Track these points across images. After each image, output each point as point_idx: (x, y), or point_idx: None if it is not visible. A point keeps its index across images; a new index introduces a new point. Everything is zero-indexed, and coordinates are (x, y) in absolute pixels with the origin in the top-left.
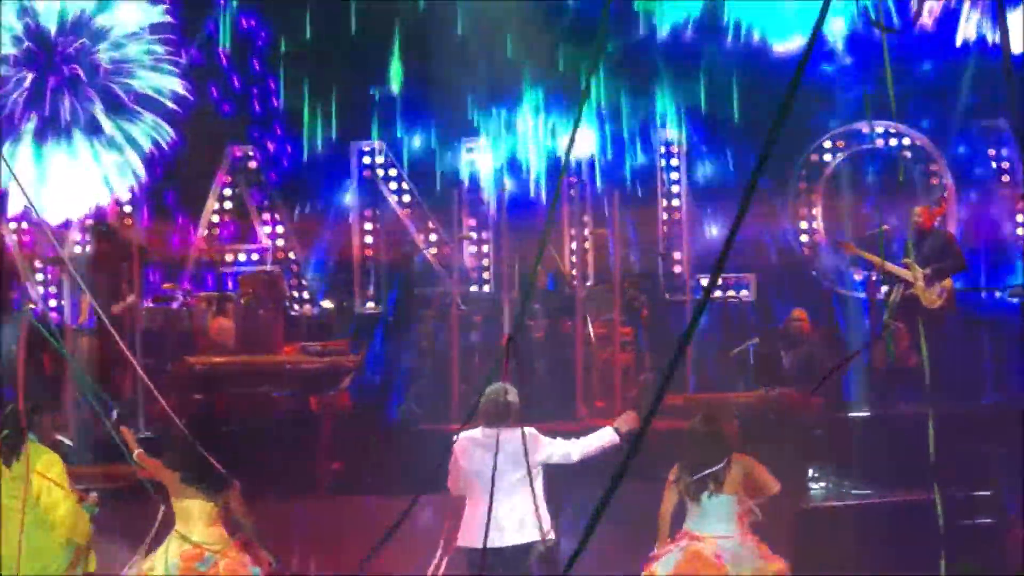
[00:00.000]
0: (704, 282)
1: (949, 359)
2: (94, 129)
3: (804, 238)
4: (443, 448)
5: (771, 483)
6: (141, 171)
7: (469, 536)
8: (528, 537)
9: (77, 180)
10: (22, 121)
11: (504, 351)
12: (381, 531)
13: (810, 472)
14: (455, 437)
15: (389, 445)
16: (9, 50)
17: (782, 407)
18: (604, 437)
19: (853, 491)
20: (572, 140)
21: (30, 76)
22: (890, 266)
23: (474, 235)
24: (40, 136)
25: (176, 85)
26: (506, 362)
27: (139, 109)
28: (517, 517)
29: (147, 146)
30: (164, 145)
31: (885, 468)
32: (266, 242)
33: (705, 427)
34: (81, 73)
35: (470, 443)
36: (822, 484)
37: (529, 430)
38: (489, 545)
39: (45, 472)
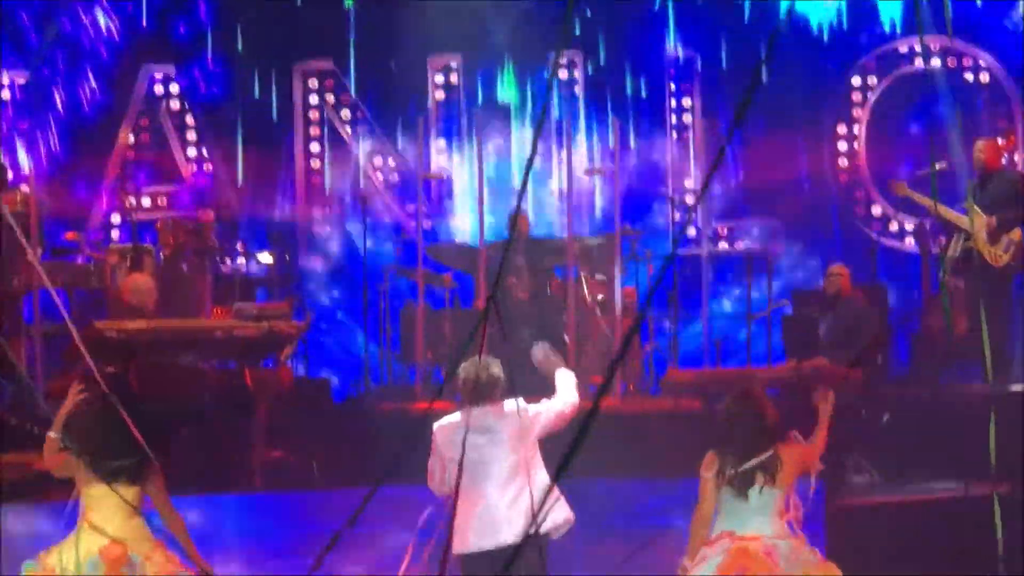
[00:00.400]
0: (725, 231)
1: (1018, 328)
2: None
3: (844, 179)
4: (405, 432)
5: (816, 462)
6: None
7: (466, 540)
8: (530, 530)
9: None
10: None
11: (482, 315)
12: (329, 532)
13: (850, 462)
14: (434, 426)
15: (340, 429)
16: None
17: (817, 382)
18: (568, 379)
19: (900, 485)
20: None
21: None
22: (947, 211)
23: (443, 173)
24: None
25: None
26: (484, 329)
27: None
28: (520, 509)
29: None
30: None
31: (940, 457)
32: (191, 183)
33: (744, 407)
34: None
35: (452, 430)
36: (864, 476)
37: (520, 404)
38: (491, 546)
39: None
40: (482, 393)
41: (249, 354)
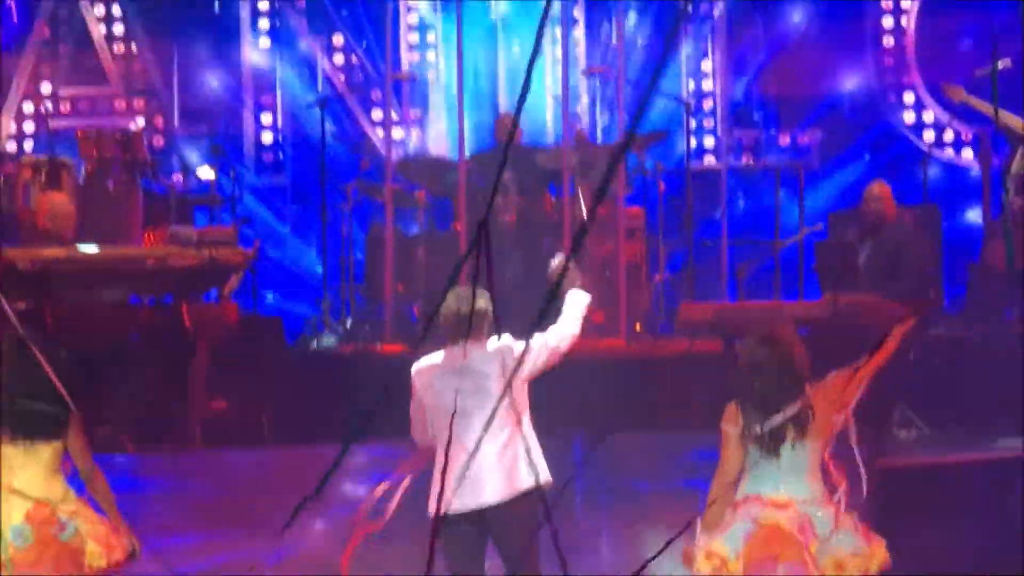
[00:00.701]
0: (748, 142)
1: None
2: None
3: (890, 81)
4: (372, 379)
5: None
6: None
7: (450, 498)
8: (522, 484)
9: None
10: None
11: (472, 243)
12: (284, 493)
13: (895, 414)
14: (412, 368)
15: (294, 376)
16: None
17: (857, 320)
18: (578, 303)
19: (955, 441)
20: None
21: None
22: (1011, 118)
23: (415, 74)
24: None
25: None
26: (478, 255)
27: None
28: (507, 463)
29: None
30: None
31: (1002, 409)
32: (119, 85)
33: (771, 351)
34: None
35: (434, 373)
36: (912, 431)
37: (507, 342)
38: (474, 506)
39: None
40: (466, 329)
41: (187, 287)
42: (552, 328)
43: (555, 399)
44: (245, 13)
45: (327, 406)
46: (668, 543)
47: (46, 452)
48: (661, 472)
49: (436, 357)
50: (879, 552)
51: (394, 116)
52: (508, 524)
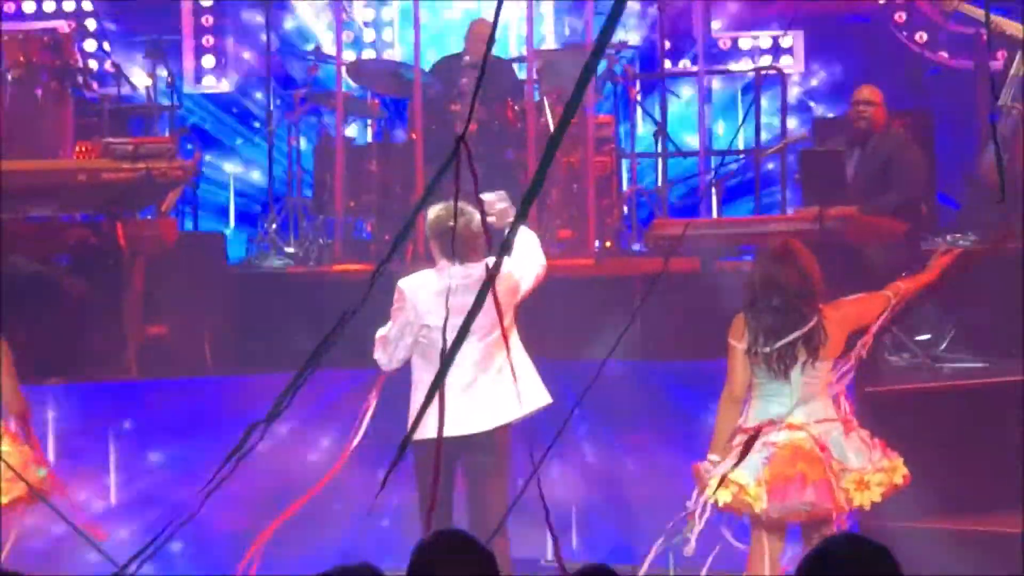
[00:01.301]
0: (726, 44)
1: None
2: None
3: None
4: (324, 300)
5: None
6: None
7: (427, 424)
8: (508, 415)
9: None
10: None
11: (452, 153)
12: (228, 427)
13: (887, 338)
14: (398, 284)
15: (238, 298)
16: None
17: (844, 236)
18: (532, 240)
19: (954, 363)
20: None
21: None
22: (1010, 24)
23: None
24: None
25: None
26: (458, 167)
27: None
28: (498, 389)
29: None
30: None
31: (1005, 332)
32: None
33: (781, 266)
34: None
35: (434, 290)
36: (905, 356)
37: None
38: (460, 432)
39: None
40: (467, 247)
41: (122, 203)
42: (528, 260)
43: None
44: None
45: (273, 331)
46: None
47: None
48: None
49: (431, 274)
50: (899, 466)
51: (345, 16)
52: (487, 451)
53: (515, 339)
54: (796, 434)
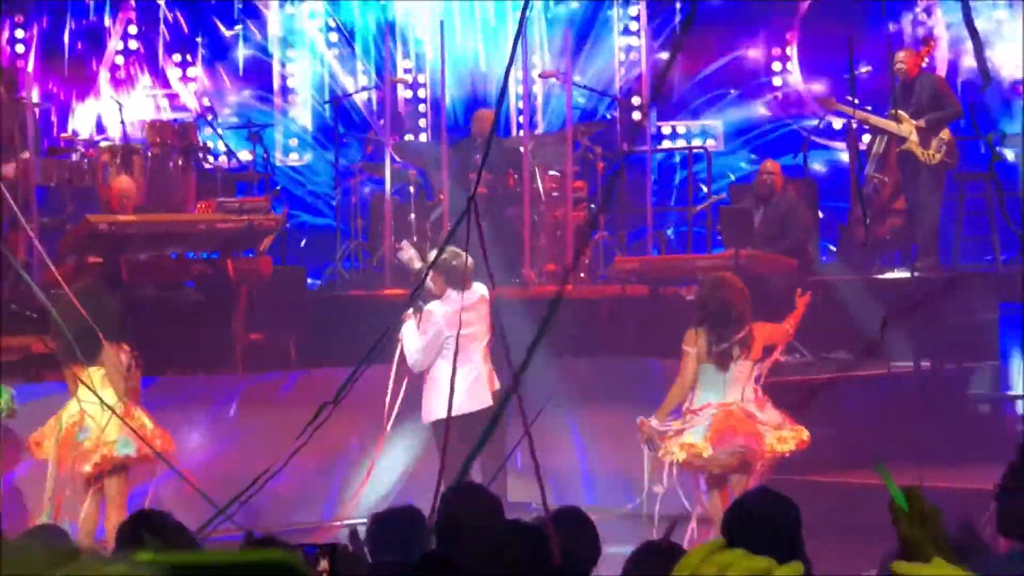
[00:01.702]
0: (667, 130)
1: (947, 219)
2: None
3: (777, 82)
4: (375, 316)
5: (784, 334)
6: None
7: (461, 404)
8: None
9: None
10: None
11: (465, 210)
12: (307, 407)
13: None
14: (426, 308)
15: (315, 314)
16: None
17: (753, 270)
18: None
19: (829, 363)
20: None
21: None
22: (876, 120)
23: (409, 78)
24: None
25: None
26: (470, 222)
27: None
28: (486, 378)
29: None
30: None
31: (863, 338)
32: (177, 87)
33: (723, 292)
34: None
35: (454, 310)
36: (796, 356)
37: (483, 291)
38: (478, 407)
39: None
40: (466, 279)
41: (231, 246)
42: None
43: (516, 330)
44: (273, 31)
45: (339, 338)
46: (666, 533)
47: (94, 374)
48: (598, 387)
49: (451, 300)
50: (802, 430)
51: (392, 110)
52: (481, 422)
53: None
54: (729, 407)
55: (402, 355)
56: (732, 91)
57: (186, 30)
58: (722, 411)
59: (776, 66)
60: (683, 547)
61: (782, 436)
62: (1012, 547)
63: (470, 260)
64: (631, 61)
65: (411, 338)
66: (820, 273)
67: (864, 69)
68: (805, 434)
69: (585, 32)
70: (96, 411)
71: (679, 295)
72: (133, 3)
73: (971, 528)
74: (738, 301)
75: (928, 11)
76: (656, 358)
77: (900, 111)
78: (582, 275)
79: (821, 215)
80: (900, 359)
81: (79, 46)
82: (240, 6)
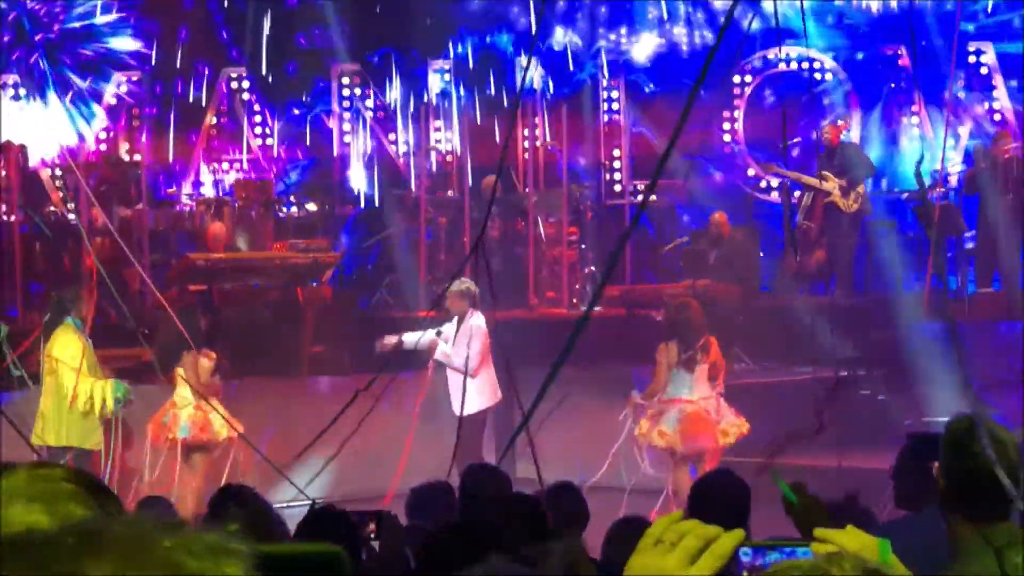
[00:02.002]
0: (640, 187)
1: (861, 256)
2: (66, 87)
3: (727, 149)
4: (412, 331)
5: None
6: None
7: (487, 399)
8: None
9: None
10: None
11: (472, 250)
12: (365, 405)
13: (732, 353)
14: (474, 324)
15: (365, 330)
16: None
17: (707, 296)
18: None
19: (768, 370)
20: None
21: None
22: (807, 179)
23: (441, 146)
24: (16, 92)
25: (136, 45)
26: (477, 259)
27: (108, 68)
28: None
29: (113, 92)
30: (127, 94)
31: (794, 349)
32: (257, 153)
33: (688, 312)
34: (51, 37)
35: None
36: (742, 364)
37: (479, 321)
38: (490, 404)
39: (60, 354)
40: (466, 304)
41: (299, 277)
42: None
43: (524, 344)
44: (337, 111)
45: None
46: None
47: (190, 376)
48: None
49: (476, 317)
50: (744, 424)
51: (427, 170)
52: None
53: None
54: (691, 406)
55: (431, 365)
56: (693, 157)
57: (259, 108)
58: (691, 410)
59: (727, 137)
60: (650, 519)
61: (725, 430)
62: (892, 515)
63: (475, 287)
64: (613, 132)
65: (457, 350)
66: (759, 299)
67: (795, 140)
68: (746, 427)
69: (577, 111)
70: (179, 401)
71: (650, 316)
72: (224, 89)
73: (855, 500)
74: (698, 319)
75: (846, 96)
76: (631, 364)
77: (825, 171)
78: (574, 300)
79: (761, 254)
80: (823, 364)
81: (182, 121)
82: (308, 95)
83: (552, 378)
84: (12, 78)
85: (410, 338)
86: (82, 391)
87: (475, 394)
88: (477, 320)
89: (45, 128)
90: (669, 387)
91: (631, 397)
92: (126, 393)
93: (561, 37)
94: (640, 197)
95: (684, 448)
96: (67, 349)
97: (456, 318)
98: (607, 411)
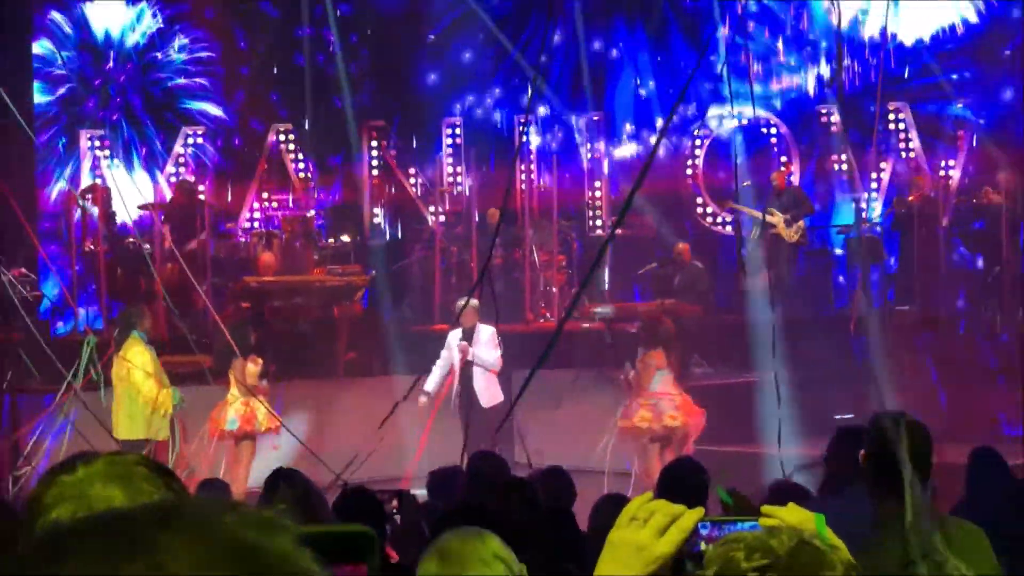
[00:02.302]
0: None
1: (798, 278)
2: (144, 139)
3: (689, 191)
4: (432, 343)
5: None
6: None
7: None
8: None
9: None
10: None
11: (479, 278)
12: (390, 403)
13: (692, 359)
14: (493, 330)
15: (390, 340)
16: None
17: (673, 313)
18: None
19: (720, 373)
20: (525, 131)
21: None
22: (756, 213)
23: (451, 189)
24: (102, 144)
25: (214, 108)
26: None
27: (185, 127)
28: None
29: (182, 143)
30: (203, 152)
31: (743, 357)
32: (300, 193)
33: (660, 325)
34: (134, 98)
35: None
36: (700, 368)
37: (486, 332)
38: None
39: (132, 359)
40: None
41: (335, 297)
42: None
43: (521, 353)
44: (365, 159)
45: (405, 356)
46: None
47: (249, 376)
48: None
49: (487, 326)
50: (702, 415)
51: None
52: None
53: None
54: (679, 397)
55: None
56: (662, 197)
57: (302, 156)
58: (680, 400)
59: (689, 181)
60: (628, 497)
61: (687, 415)
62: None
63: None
64: (594, 177)
65: (488, 353)
66: (716, 314)
67: (745, 183)
68: (703, 416)
69: (566, 160)
70: (230, 399)
71: (626, 329)
72: (273, 140)
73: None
74: (669, 329)
75: (789, 147)
76: (609, 368)
77: (773, 208)
78: (561, 315)
79: (717, 278)
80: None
81: (239, 168)
82: (342, 146)
83: (532, 375)
84: (99, 132)
85: (432, 380)
86: (149, 394)
87: (497, 389)
88: (490, 328)
89: (126, 174)
90: (656, 385)
91: (628, 372)
92: (180, 401)
93: (555, 104)
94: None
95: (684, 426)
96: (136, 357)
97: (462, 330)
98: (594, 406)
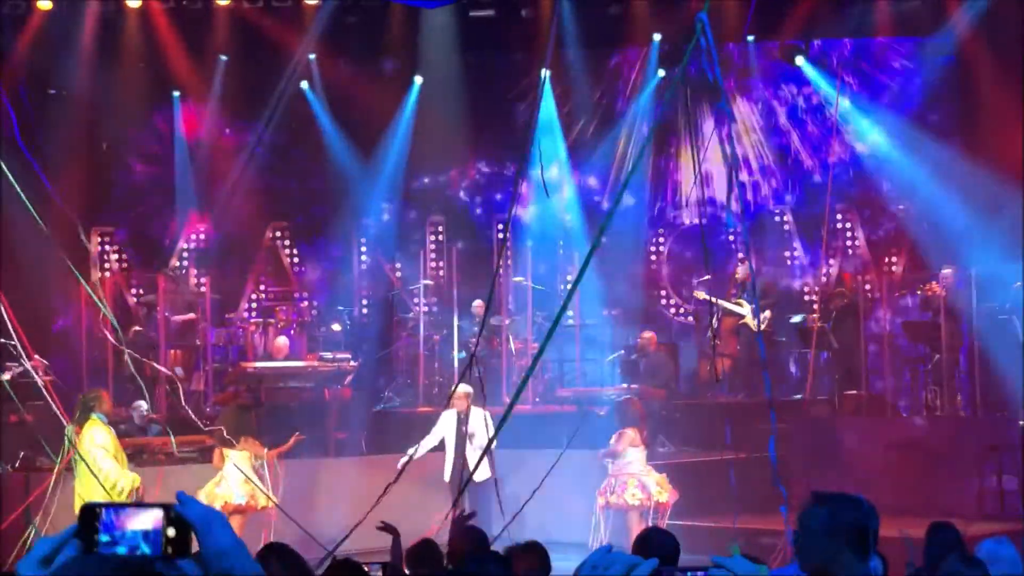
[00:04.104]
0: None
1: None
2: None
3: (649, 285)
4: (416, 423)
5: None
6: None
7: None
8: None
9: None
10: None
11: (468, 363)
12: (376, 480)
13: (657, 440)
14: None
15: (376, 422)
16: None
17: (640, 395)
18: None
19: (683, 453)
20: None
21: None
22: (726, 304)
23: (431, 281)
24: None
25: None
26: (470, 368)
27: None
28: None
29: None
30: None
31: (709, 438)
32: (295, 285)
33: (630, 406)
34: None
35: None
36: (665, 448)
37: (480, 416)
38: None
39: (91, 444)
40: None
41: (326, 381)
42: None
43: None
44: (355, 251)
45: (392, 437)
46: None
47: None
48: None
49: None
50: (672, 491)
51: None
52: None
53: None
54: (646, 478)
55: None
56: (629, 291)
57: (297, 252)
58: (658, 475)
59: (652, 276)
60: None
61: (660, 491)
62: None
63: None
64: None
65: (478, 432)
66: (680, 398)
67: (706, 278)
68: (674, 490)
69: (540, 254)
70: (230, 474)
71: (596, 411)
72: (270, 237)
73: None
74: (639, 411)
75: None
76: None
77: (741, 299)
78: (537, 399)
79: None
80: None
81: (238, 262)
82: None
83: (494, 437)
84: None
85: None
86: (109, 472)
87: (486, 465)
88: (481, 412)
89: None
90: (632, 463)
91: (600, 454)
92: (136, 483)
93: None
94: (587, 320)
95: (667, 503)
96: (96, 439)
97: (456, 412)
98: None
